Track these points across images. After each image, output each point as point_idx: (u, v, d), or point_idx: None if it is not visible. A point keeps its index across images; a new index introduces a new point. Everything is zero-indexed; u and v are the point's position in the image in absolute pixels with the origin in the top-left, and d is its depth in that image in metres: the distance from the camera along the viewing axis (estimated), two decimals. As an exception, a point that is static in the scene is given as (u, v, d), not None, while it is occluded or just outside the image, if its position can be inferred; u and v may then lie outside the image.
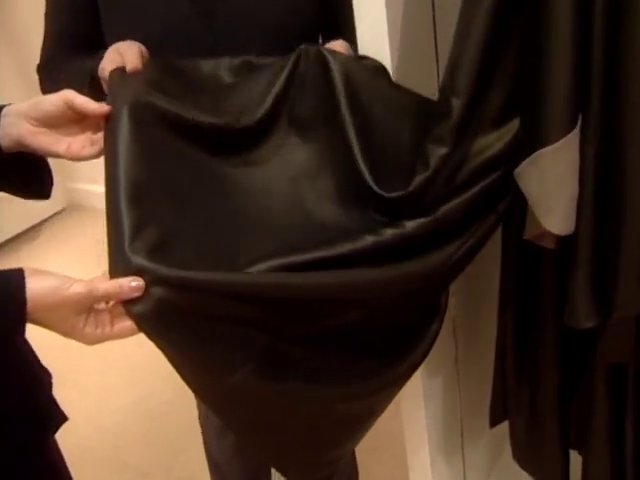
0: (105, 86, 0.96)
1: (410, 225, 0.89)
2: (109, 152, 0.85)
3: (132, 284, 0.76)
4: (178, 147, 0.90)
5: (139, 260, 0.76)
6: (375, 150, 0.91)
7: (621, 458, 1.05)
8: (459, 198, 0.90)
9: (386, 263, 0.89)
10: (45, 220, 3.64)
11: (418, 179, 0.87)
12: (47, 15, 1.19)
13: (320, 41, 1.21)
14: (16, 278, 0.75)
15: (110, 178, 0.82)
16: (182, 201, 0.87)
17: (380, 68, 0.98)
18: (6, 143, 0.91)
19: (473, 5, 0.82)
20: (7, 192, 1.00)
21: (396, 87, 0.98)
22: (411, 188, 0.87)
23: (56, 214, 3.69)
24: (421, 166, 0.88)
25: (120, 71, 0.94)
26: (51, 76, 1.12)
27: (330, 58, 0.94)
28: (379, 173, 0.89)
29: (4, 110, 0.92)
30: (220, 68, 1.01)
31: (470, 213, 0.92)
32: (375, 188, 0.88)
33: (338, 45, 1.00)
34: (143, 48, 0.99)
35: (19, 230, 3.48)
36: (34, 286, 0.75)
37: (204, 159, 0.93)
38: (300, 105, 0.97)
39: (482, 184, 0.90)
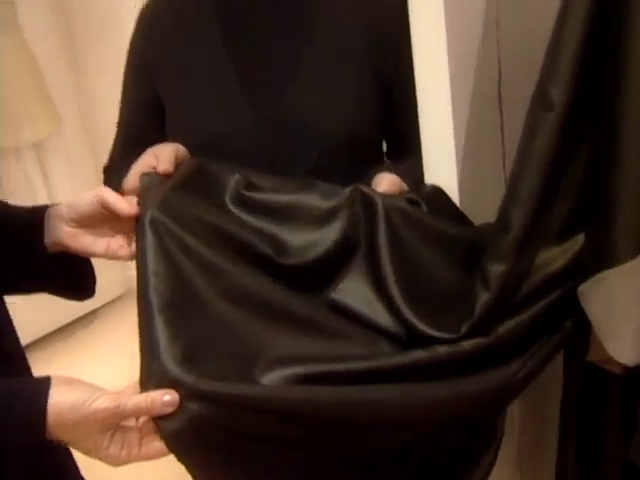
0: (126, 192, 0.95)
1: (467, 344, 0.83)
2: (138, 259, 0.84)
3: (165, 398, 0.71)
4: (202, 254, 0.86)
5: (177, 371, 0.72)
6: (418, 292, 0.86)
7: None
8: (520, 316, 0.85)
9: (438, 379, 0.83)
10: (104, 306, 3.68)
11: (480, 304, 0.83)
12: (120, 117, 1.22)
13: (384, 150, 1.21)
14: (41, 390, 0.71)
15: (141, 289, 0.81)
16: (204, 310, 0.83)
17: (435, 201, 0.94)
18: (50, 245, 0.93)
19: (537, 116, 0.80)
20: (52, 293, 1.00)
21: (448, 223, 0.93)
22: (476, 315, 0.83)
23: (113, 301, 3.74)
24: (481, 288, 0.84)
25: (150, 174, 0.93)
26: (112, 180, 1.11)
27: (377, 200, 0.88)
28: (423, 314, 0.84)
29: (47, 212, 0.93)
30: (267, 185, 0.97)
31: (532, 332, 0.87)
32: (424, 328, 0.83)
33: (387, 180, 0.97)
34: (181, 148, 0.99)
35: (76, 316, 3.53)
36: (57, 399, 0.70)
37: (227, 263, 0.88)
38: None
39: (545, 301, 0.85)
